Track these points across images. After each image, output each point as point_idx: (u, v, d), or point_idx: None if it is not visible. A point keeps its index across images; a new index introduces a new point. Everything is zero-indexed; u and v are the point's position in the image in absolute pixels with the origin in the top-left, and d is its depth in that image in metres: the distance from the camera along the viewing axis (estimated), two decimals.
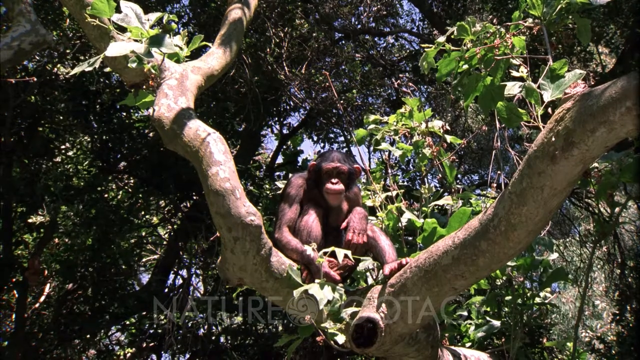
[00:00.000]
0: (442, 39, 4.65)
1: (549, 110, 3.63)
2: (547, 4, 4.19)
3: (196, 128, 4.32)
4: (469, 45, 4.51)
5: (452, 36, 4.61)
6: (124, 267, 14.01)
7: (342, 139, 16.28)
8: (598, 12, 11.42)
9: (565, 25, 4.33)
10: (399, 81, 14.12)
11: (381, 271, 4.66)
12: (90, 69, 4.41)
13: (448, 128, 6.13)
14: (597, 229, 4.69)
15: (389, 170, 6.45)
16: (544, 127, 3.39)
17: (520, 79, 4.00)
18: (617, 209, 4.35)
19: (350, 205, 5.06)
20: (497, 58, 4.27)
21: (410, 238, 5.72)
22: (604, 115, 2.93)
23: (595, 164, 4.07)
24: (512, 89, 3.95)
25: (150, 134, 13.35)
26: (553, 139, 3.19)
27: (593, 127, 2.99)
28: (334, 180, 4.95)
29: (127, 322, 14.49)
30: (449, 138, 5.96)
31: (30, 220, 13.19)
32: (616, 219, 4.48)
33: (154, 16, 4.57)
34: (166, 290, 14.49)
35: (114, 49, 4.21)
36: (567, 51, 12.10)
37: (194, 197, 13.64)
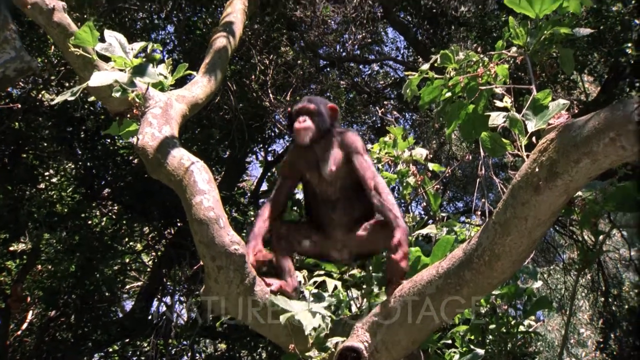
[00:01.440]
0: (425, 66, 4.67)
1: (533, 140, 3.64)
2: (530, 34, 4.21)
3: (180, 157, 4.31)
4: (452, 74, 4.53)
5: (436, 64, 4.63)
6: (107, 294, 13.96)
7: None
8: (581, 41, 11.49)
9: (548, 55, 4.35)
10: (383, 109, 14.18)
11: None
12: (72, 98, 4.40)
13: (431, 156, 6.14)
14: (581, 257, 4.69)
15: None
16: (527, 157, 3.40)
17: (504, 109, 4.02)
18: (601, 237, 4.36)
19: (346, 151, 4.97)
20: (481, 88, 4.29)
21: None
22: (587, 146, 2.94)
23: (579, 193, 4.08)
24: (496, 119, 3.96)
25: (135, 161, 13.35)
26: (537, 169, 3.20)
27: (577, 157, 3.00)
28: (301, 119, 4.92)
29: (110, 350, 14.43)
30: (432, 166, 5.97)
31: (12, 248, 13.14)
32: (600, 247, 4.49)
33: (138, 45, 4.57)
34: (150, 317, 14.42)
35: (98, 79, 4.20)
36: (551, 80, 12.17)
37: (178, 224, 13.62)
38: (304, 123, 4.88)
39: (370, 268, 5.20)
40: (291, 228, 4.94)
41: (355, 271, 5.27)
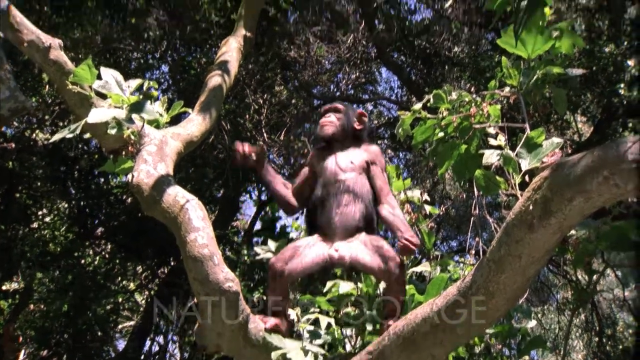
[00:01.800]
0: (418, 106, 4.69)
1: (527, 178, 3.65)
2: (523, 74, 4.24)
3: (175, 194, 4.32)
4: (445, 114, 4.55)
5: (429, 104, 4.66)
6: (99, 333, 13.92)
7: None
8: (574, 81, 11.56)
9: (542, 95, 4.37)
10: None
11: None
12: (71, 135, 4.41)
13: (427, 198, 6.15)
14: (575, 296, 4.71)
15: None
16: (521, 195, 3.42)
17: (498, 147, 4.03)
18: (594, 277, 4.37)
19: (369, 158, 5.06)
20: (475, 127, 4.31)
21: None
22: (581, 184, 2.95)
23: (573, 232, 4.09)
24: (490, 157, 3.97)
25: (128, 200, 13.35)
26: (531, 207, 3.21)
27: (570, 196, 3.01)
28: (327, 115, 5.17)
29: None
30: (427, 208, 5.99)
31: (5, 287, 13.11)
32: (594, 287, 4.50)
33: (134, 83, 4.58)
34: (142, 357, 14.35)
35: (96, 116, 4.21)
36: (544, 120, 12.24)
37: (172, 263, 13.60)
38: (328, 118, 5.10)
39: (364, 306, 5.19)
40: (286, 255, 4.90)
41: (349, 309, 5.25)
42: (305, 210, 5.23)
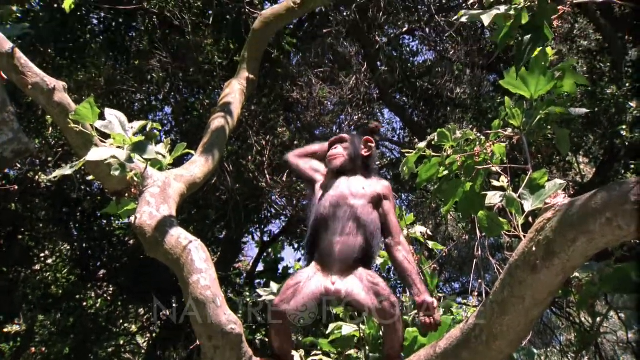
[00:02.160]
0: (422, 144, 4.71)
1: (530, 219, 3.65)
2: (526, 114, 4.25)
3: (178, 236, 4.31)
4: (449, 152, 4.56)
5: (433, 142, 4.67)
6: None
7: None
8: (577, 122, 11.59)
9: (544, 135, 4.38)
10: None
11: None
12: (71, 172, 4.40)
13: (430, 234, 6.14)
14: (578, 339, 4.69)
15: None
16: (524, 236, 3.41)
17: (501, 188, 4.03)
18: (598, 319, 4.35)
19: (380, 191, 4.98)
20: (478, 168, 4.32)
21: None
22: (584, 225, 2.95)
23: (576, 274, 4.08)
24: (493, 198, 3.97)
25: (131, 242, 13.34)
26: (534, 248, 3.20)
27: (573, 237, 3.00)
28: (334, 147, 5.20)
29: None
30: (431, 244, 5.98)
31: (7, 329, 13.06)
32: (597, 329, 4.48)
33: (137, 124, 4.59)
34: None
35: (96, 154, 4.21)
36: (547, 161, 12.25)
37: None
38: (336, 150, 5.12)
39: (367, 348, 5.17)
40: (288, 295, 4.85)
41: (352, 351, 5.23)
42: (307, 229, 5.18)
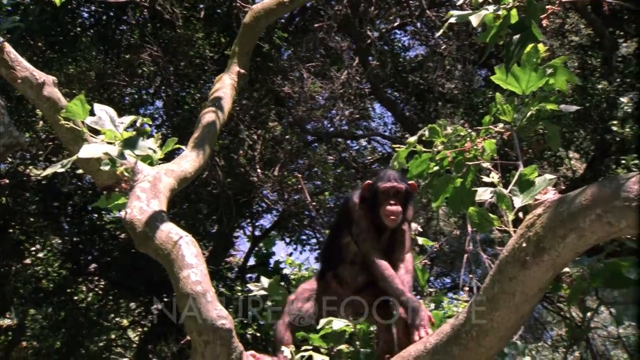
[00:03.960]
0: (413, 139, 4.70)
1: (520, 215, 3.65)
2: (517, 110, 4.25)
3: (168, 231, 4.30)
4: (440, 147, 4.56)
5: (424, 138, 4.66)
6: None
7: (314, 241, 16.29)
8: (567, 118, 11.60)
9: (535, 131, 4.38)
10: None
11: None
12: (62, 170, 4.39)
13: (420, 230, 6.13)
14: (569, 334, 4.68)
15: None
16: (515, 232, 3.41)
17: (491, 184, 4.03)
18: (588, 314, 4.35)
19: (400, 225, 4.81)
20: (468, 163, 4.32)
21: None
22: (574, 222, 2.95)
23: (567, 269, 4.08)
24: (483, 194, 3.97)
25: (122, 236, 13.32)
26: (524, 244, 3.20)
27: (563, 233, 3.00)
28: (392, 201, 4.65)
29: None
30: (422, 241, 5.98)
31: None
32: (588, 324, 4.48)
33: (127, 119, 4.58)
34: None
35: (87, 151, 4.20)
36: (538, 156, 12.26)
37: (165, 299, 13.54)
38: (395, 207, 4.66)
39: (358, 343, 5.17)
40: (299, 292, 4.87)
41: (343, 346, 5.23)
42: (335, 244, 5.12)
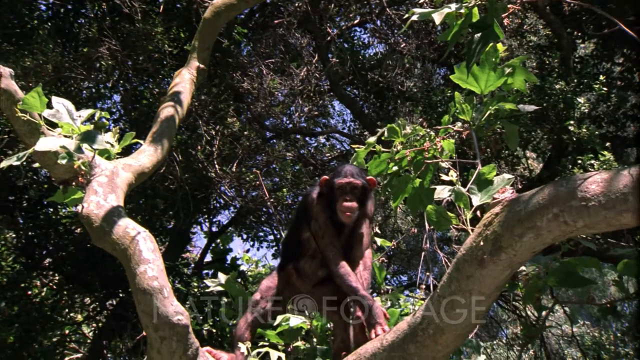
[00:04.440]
0: (372, 139, 4.71)
1: (478, 213, 3.67)
2: (476, 110, 4.27)
3: (125, 226, 4.27)
4: (399, 147, 4.56)
5: (383, 138, 4.66)
6: None
7: (271, 237, 16.29)
8: (525, 117, 11.69)
9: (493, 130, 4.40)
10: None
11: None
12: (18, 163, 4.35)
13: (378, 231, 6.15)
14: (524, 332, 4.70)
15: None
16: (472, 231, 3.42)
17: (450, 183, 4.05)
18: (544, 313, 4.38)
19: (359, 221, 4.83)
20: (427, 162, 4.33)
21: None
22: (531, 221, 2.97)
23: (523, 268, 4.10)
24: (442, 193, 3.99)
25: (77, 230, 13.21)
26: (481, 243, 3.22)
27: (521, 232, 3.02)
28: (348, 197, 4.66)
29: None
30: (380, 242, 5.99)
31: None
32: (543, 323, 4.51)
33: (85, 112, 4.54)
34: None
35: (44, 144, 4.16)
36: (495, 155, 12.35)
37: (120, 295, 13.46)
38: (351, 202, 4.67)
39: (315, 340, 5.18)
40: (263, 290, 4.88)
41: (299, 343, 5.23)
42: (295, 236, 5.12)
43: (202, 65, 6.97)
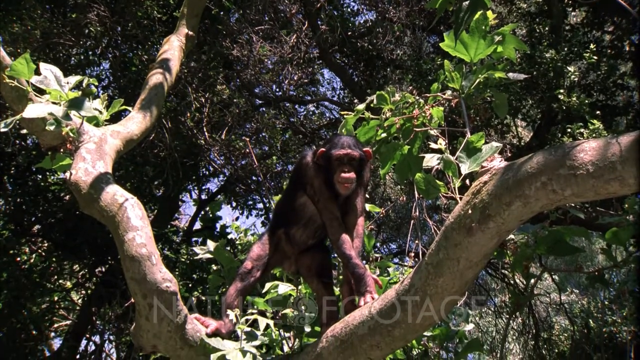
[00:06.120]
0: (361, 106, 4.70)
1: (467, 182, 3.66)
2: (465, 78, 4.26)
3: (113, 193, 4.27)
4: (388, 115, 4.55)
5: (372, 105, 4.65)
6: (34, 332, 13.69)
7: (260, 206, 16.29)
8: (515, 86, 11.68)
9: (483, 99, 4.40)
10: None
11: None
12: (6, 129, 4.33)
13: (367, 196, 6.15)
14: (512, 300, 4.72)
15: None
16: (461, 199, 3.43)
17: (439, 151, 4.04)
18: (532, 281, 4.39)
19: (355, 190, 4.75)
20: (416, 130, 4.33)
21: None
22: (519, 189, 2.97)
23: (512, 236, 4.10)
24: (430, 161, 3.98)
25: (66, 197, 13.19)
26: (470, 211, 3.22)
27: (509, 200, 3.02)
28: (345, 169, 4.59)
29: None
30: (368, 207, 5.98)
31: None
32: (531, 291, 4.52)
33: (73, 79, 4.52)
34: (78, 356, 14.19)
35: (32, 111, 4.15)
36: (485, 124, 12.34)
37: (110, 262, 13.46)
38: (349, 174, 4.61)
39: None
40: (254, 258, 4.89)
41: (288, 310, 5.24)
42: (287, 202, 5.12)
43: (191, 32, 6.94)
